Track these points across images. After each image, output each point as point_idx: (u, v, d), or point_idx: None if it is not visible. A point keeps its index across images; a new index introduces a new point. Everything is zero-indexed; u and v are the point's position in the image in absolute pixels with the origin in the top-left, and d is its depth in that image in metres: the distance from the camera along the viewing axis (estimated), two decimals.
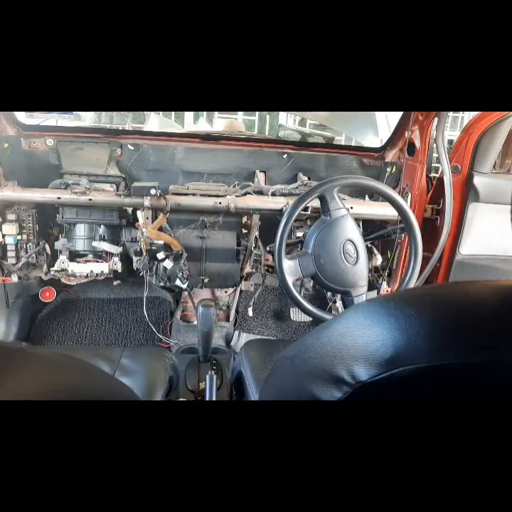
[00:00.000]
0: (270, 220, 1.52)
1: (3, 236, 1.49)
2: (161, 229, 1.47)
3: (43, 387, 0.30)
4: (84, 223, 1.54)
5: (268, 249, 1.64)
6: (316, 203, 1.25)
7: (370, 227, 1.65)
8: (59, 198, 1.43)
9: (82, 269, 1.54)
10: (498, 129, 1.51)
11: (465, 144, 1.54)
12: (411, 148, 1.63)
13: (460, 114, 6.02)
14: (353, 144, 3.69)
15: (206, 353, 1.39)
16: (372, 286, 1.55)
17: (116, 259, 1.56)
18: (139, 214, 1.48)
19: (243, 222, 1.59)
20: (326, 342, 0.34)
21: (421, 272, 1.40)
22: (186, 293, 1.81)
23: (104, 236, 1.56)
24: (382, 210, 1.51)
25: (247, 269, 1.75)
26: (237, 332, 1.94)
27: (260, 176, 1.70)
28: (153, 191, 1.40)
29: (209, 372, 1.28)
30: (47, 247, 1.58)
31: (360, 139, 3.52)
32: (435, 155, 1.55)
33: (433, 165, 1.71)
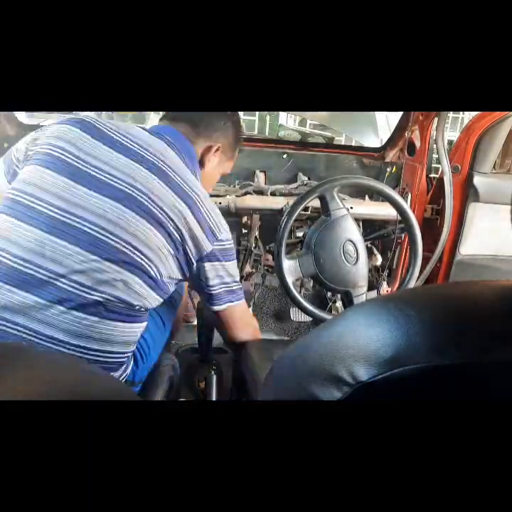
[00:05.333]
0: (270, 220, 1.52)
1: None
2: None
3: (43, 387, 0.30)
4: None
5: (268, 249, 1.64)
6: (316, 203, 1.25)
7: (370, 227, 1.65)
8: None
9: None
10: (498, 129, 1.51)
11: (465, 143, 1.54)
12: (411, 149, 1.63)
13: (460, 114, 6.01)
14: (353, 144, 3.69)
15: (206, 353, 1.39)
16: (372, 286, 1.55)
17: None
18: None
19: (243, 222, 1.59)
20: (326, 342, 0.34)
21: (421, 272, 1.40)
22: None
23: None
24: (382, 210, 1.51)
25: (247, 269, 1.75)
26: None
27: (260, 176, 1.70)
28: None
29: (209, 372, 1.27)
30: None
31: (360, 139, 3.52)
32: (435, 155, 1.55)
33: (433, 165, 1.71)
